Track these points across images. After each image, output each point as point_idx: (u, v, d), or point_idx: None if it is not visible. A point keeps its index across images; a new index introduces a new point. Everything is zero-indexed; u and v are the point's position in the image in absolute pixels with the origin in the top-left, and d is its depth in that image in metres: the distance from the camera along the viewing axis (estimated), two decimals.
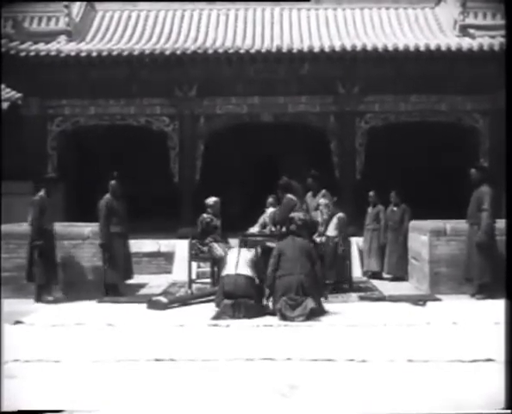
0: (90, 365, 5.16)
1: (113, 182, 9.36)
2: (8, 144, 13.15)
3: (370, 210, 11.11)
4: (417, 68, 13.35)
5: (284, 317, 6.94)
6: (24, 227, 9.77)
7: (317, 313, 7.07)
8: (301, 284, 7.11)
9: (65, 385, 4.63)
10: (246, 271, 7.47)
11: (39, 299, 8.49)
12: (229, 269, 7.56)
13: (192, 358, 5.30)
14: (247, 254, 7.78)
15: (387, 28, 15.28)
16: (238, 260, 7.56)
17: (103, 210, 9.11)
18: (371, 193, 11.08)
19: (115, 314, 7.47)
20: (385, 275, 10.75)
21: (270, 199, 9.98)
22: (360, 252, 11.50)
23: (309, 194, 10.04)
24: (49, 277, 8.61)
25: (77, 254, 9.20)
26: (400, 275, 10.48)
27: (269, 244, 8.50)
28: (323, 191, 10.01)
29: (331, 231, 9.44)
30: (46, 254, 8.59)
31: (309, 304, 6.98)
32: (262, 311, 7.30)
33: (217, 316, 7.13)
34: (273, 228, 9.33)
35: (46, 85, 13.74)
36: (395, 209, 10.78)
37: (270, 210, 9.72)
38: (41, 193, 8.83)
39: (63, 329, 6.61)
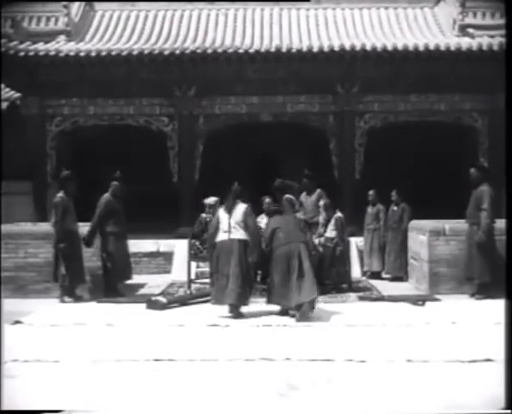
0: (90, 365, 5.16)
1: (115, 182, 9.26)
2: (7, 144, 13.15)
3: (370, 209, 11.06)
4: (416, 68, 13.34)
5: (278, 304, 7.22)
6: (23, 227, 9.79)
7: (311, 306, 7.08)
8: (298, 252, 7.05)
9: (64, 385, 4.62)
10: (239, 234, 7.30)
11: (61, 300, 8.47)
12: (222, 234, 7.35)
13: (191, 358, 5.29)
14: (239, 212, 7.41)
15: (386, 28, 15.28)
16: (230, 223, 7.33)
17: (100, 209, 8.99)
18: (371, 192, 11.02)
19: (114, 314, 7.47)
20: (385, 275, 10.74)
21: (266, 199, 9.78)
22: (360, 252, 11.48)
23: (304, 194, 10.04)
24: (73, 278, 8.53)
25: None
26: (399, 275, 10.47)
27: None
28: (318, 191, 10.02)
29: (329, 232, 9.47)
30: (71, 256, 8.50)
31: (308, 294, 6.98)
32: (249, 298, 7.40)
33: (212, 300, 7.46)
34: None
35: (46, 85, 13.72)
36: (395, 208, 10.74)
37: (264, 220, 9.62)
38: (61, 194, 8.68)
39: (62, 329, 6.60)
